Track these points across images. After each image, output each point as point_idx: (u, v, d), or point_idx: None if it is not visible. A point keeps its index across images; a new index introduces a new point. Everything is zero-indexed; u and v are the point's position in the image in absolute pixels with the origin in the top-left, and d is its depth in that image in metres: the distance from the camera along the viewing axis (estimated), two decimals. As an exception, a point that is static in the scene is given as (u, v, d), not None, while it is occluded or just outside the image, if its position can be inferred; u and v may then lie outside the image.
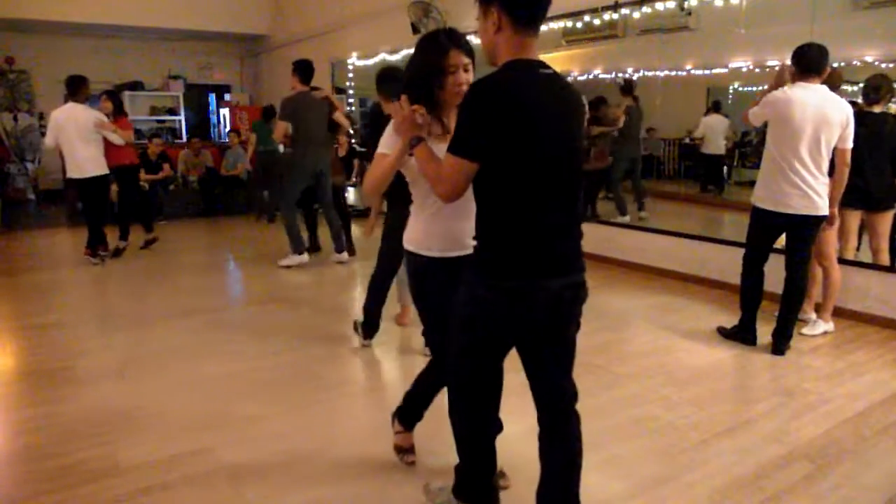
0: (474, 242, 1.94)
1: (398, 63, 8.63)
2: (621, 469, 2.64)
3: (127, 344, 4.18)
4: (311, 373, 3.65)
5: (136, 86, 11.34)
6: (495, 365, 2.11)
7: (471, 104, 1.79)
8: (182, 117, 11.80)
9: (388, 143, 2.19)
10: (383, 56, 8.84)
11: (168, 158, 9.33)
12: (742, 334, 4.04)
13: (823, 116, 3.59)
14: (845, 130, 3.67)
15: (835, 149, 3.72)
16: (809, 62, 3.64)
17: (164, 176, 9.13)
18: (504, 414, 3.14)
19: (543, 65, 1.85)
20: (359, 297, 5.49)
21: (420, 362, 3.95)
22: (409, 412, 2.67)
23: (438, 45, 2.17)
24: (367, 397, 3.50)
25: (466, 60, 2.18)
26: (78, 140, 6.15)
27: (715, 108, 7.39)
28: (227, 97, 12.37)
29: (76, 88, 6.26)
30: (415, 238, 2.32)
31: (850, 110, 3.69)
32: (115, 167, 6.54)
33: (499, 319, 1.91)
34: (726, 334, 4.16)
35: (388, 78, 3.75)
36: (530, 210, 1.83)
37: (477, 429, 2.18)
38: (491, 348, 2.04)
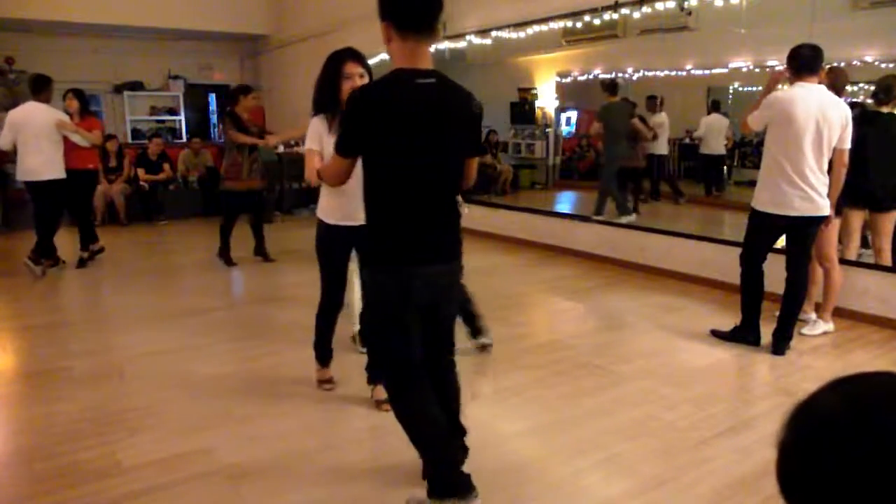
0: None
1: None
2: (621, 469, 2.64)
3: (127, 344, 4.18)
4: (311, 373, 3.65)
5: (136, 86, 11.34)
6: (406, 343, 2.20)
7: (346, 109, 2.10)
8: (182, 117, 11.80)
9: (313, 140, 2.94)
10: (383, 56, 8.82)
11: (168, 158, 9.34)
12: (744, 335, 4.03)
13: (824, 115, 3.59)
14: (844, 131, 3.67)
15: (833, 149, 3.71)
16: (805, 62, 3.64)
17: (165, 177, 9.14)
18: (504, 414, 3.15)
19: (428, 73, 2.02)
20: (359, 297, 5.49)
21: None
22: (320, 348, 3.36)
23: (339, 56, 2.85)
24: (367, 397, 3.50)
25: (361, 70, 2.81)
26: (34, 141, 5.77)
27: (714, 107, 7.39)
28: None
29: (39, 87, 5.90)
30: (321, 209, 3.07)
31: (848, 110, 3.70)
32: (73, 170, 6.07)
33: (390, 300, 2.14)
34: (723, 336, 4.13)
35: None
36: (403, 205, 2.07)
37: (415, 411, 2.26)
38: (393, 326, 2.19)
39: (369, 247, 2.18)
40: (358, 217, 2.60)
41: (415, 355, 2.23)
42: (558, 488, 2.50)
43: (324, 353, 3.39)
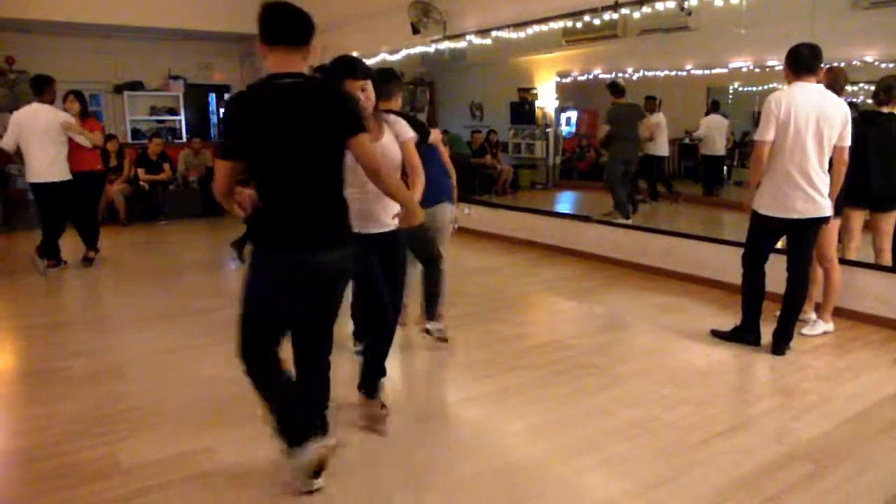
0: (393, 221, 2.60)
1: (398, 63, 8.64)
2: (621, 469, 2.63)
3: (127, 344, 4.18)
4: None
5: (136, 86, 11.34)
6: (267, 321, 2.42)
7: (222, 115, 2.31)
8: (182, 117, 11.80)
9: None
10: (383, 56, 8.84)
11: (168, 158, 9.33)
12: (744, 335, 4.03)
13: (824, 114, 3.59)
14: (844, 129, 3.67)
15: (833, 147, 3.71)
16: (803, 62, 3.64)
17: (165, 177, 9.14)
18: (504, 414, 3.15)
19: (294, 76, 2.23)
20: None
21: (420, 358, 3.96)
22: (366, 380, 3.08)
23: (336, 75, 2.66)
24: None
25: (360, 83, 2.64)
26: (39, 142, 5.78)
27: (714, 107, 7.38)
28: (226, 97, 12.38)
29: (41, 88, 5.91)
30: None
31: (847, 108, 3.69)
32: (78, 172, 6.06)
33: (273, 284, 2.31)
34: (723, 336, 4.13)
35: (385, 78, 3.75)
36: (276, 196, 2.26)
37: (258, 371, 2.47)
38: (261, 303, 2.35)
39: (252, 229, 2.41)
40: (377, 224, 2.79)
41: (270, 334, 2.42)
42: (558, 488, 2.50)
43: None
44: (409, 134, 2.95)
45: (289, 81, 2.21)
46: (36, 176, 5.89)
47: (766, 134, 3.68)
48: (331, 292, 2.45)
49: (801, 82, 3.65)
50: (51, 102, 5.97)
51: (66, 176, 5.96)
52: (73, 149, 6.02)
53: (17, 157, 6.20)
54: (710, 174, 7.80)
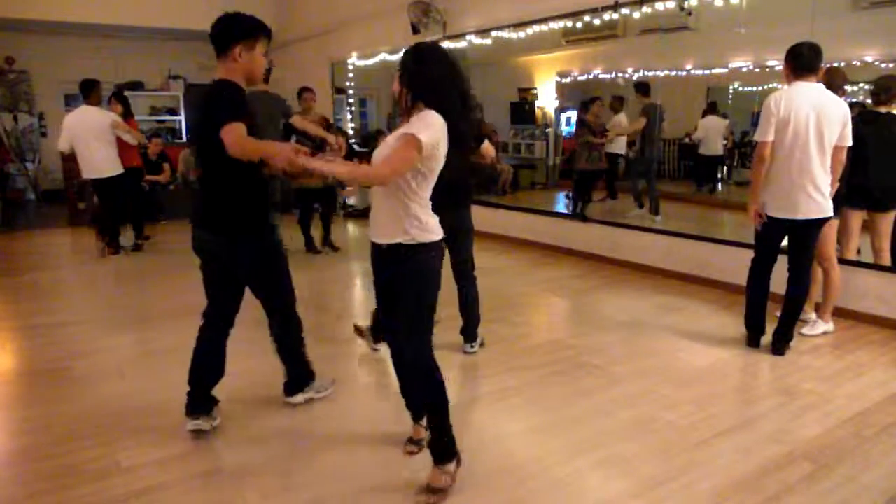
0: (385, 239, 2.35)
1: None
2: (621, 469, 2.63)
3: (127, 344, 4.19)
4: (311, 373, 3.65)
5: (136, 86, 11.32)
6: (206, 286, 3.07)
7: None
8: (182, 117, 11.79)
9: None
10: (383, 56, 8.84)
11: (168, 158, 9.33)
12: (747, 337, 4.04)
13: (824, 113, 3.59)
14: (844, 128, 3.66)
15: (833, 147, 3.70)
16: (804, 61, 3.63)
17: (165, 180, 9.14)
18: (504, 414, 3.15)
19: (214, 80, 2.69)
20: (359, 296, 5.49)
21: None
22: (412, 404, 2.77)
23: None
24: (368, 397, 3.50)
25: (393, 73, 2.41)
26: (94, 141, 6.30)
27: (711, 109, 7.41)
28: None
29: (89, 91, 6.41)
30: None
31: (847, 108, 3.69)
32: (125, 168, 6.66)
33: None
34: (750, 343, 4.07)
35: None
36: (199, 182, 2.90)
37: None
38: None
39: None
40: (380, 236, 2.37)
41: (210, 300, 3.07)
42: (558, 488, 2.50)
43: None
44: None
45: (204, 85, 2.90)
46: (97, 172, 6.43)
47: (766, 134, 3.67)
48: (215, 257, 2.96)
49: (802, 82, 3.64)
50: (97, 104, 6.50)
51: (121, 169, 6.55)
52: (121, 147, 6.57)
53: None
54: (707, 173, 7.84)
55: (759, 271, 3.95)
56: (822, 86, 3.68)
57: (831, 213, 3.74)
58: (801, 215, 3.68)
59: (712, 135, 7.40)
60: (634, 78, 7.28)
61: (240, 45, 2.65)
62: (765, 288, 3.95)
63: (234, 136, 2.49)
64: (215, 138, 2.50)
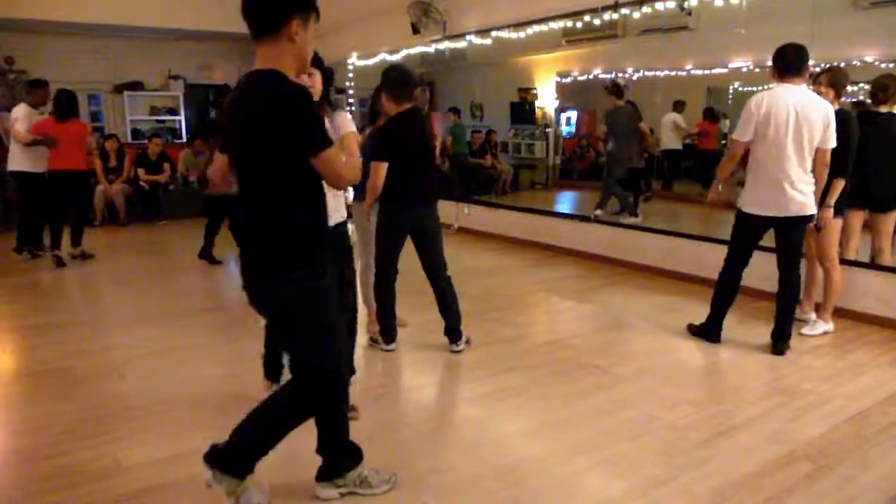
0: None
1: (398, 62, 8.64)
2: (621, 469, 2.63)
3: (127, 344, 4.18)
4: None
5: (136, 86, 11.32)
6: None
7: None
8: (182, 117, 11.78)
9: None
10: (383, 56, 8.84)
11: (168, 158, 9.33)
12: (708, 332, 4.06)
13: (805, 114, 3.59)
14: (827, 130, 3.65)
15: (815, 149, 3.70)
16: (787, 62, 3.63)
17: (165, 177, 9.13)
18: (504, 414, 3.15)
19: (252, 72, 2.07)
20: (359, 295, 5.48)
21: (420, 358, 3.96)
22: None
23: None
24: (369, 397, 3.50)
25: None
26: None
27: (675, 107, 7.53)
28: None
29: (30, 89, 6.42)
30: None
31: (830, 109, 3.68)
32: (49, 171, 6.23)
33: None
34: (695, 331, 4.17)
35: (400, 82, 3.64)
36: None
37: None
38: None
39: None
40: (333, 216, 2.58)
41: None
42: (558, 488, 2.50)
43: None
44: (350, 128, 2.93)
45: (244, 77, 2.19)
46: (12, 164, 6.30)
47: (743, 134, 3.70)
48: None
49: (786, 83, 3.64)
50: (35, 104, 6.28)
51: (24, 167, 6.24)
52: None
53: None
54: (669, 169, 8.06)
55: (731, 269, 3.95)
56: (804, 87, 3.68)
57: (813, 212, 3.74)
58: (781, 213, 3.69)
59: (666, 129, 7.49)
60: (635, 77, 7.29)
61: (298, 19, 2.00)
62: (735, 286, 3.96)
63: (339, 167, 2.05)
64: (276, 154, 1.98)
